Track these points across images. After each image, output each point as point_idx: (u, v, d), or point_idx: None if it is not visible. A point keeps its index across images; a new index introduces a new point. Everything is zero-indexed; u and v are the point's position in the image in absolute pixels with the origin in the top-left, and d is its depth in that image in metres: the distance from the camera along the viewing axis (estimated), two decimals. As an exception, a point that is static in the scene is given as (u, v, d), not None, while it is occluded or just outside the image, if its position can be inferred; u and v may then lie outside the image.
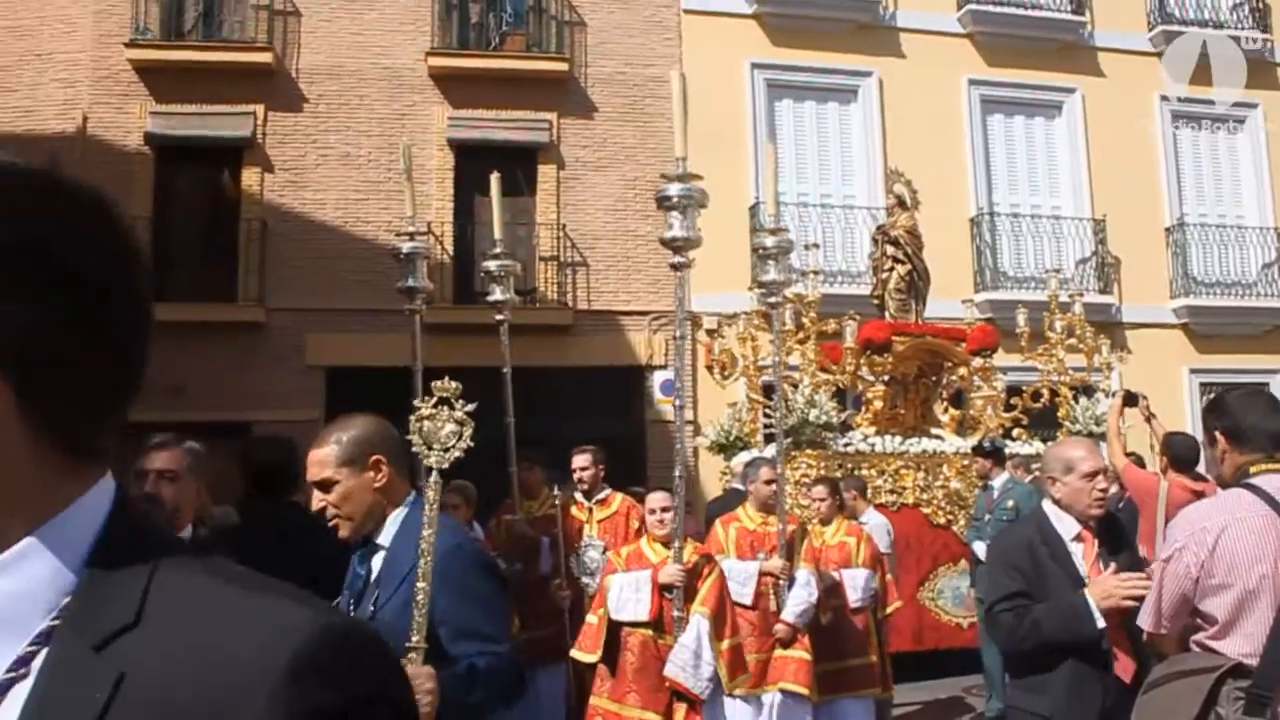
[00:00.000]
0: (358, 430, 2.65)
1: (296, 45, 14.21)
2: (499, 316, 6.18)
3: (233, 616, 0.76)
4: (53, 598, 0.77)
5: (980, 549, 8.05)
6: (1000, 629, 3.42)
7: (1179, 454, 5.95)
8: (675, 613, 4.75)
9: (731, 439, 10.54)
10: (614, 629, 4.92)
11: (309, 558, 2.74)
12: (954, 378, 11.28)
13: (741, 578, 5.72)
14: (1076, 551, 3.40)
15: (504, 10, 14.78)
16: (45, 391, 0.78)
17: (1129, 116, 15.93)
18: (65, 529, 0.79)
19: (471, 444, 2.56)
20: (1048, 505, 3.53)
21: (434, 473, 2.55)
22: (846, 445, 10.01)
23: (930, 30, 15.65)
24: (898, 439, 10.22)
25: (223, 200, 14.03)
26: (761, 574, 5.77)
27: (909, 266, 11.00)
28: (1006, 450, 9.30)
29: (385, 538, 2.65)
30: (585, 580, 5.88)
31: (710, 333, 11.21)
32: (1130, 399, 6.30)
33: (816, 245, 11.82)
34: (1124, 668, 3.25)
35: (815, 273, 11.37)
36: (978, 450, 9.05)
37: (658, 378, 13.95)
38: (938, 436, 10.55)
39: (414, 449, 2.58)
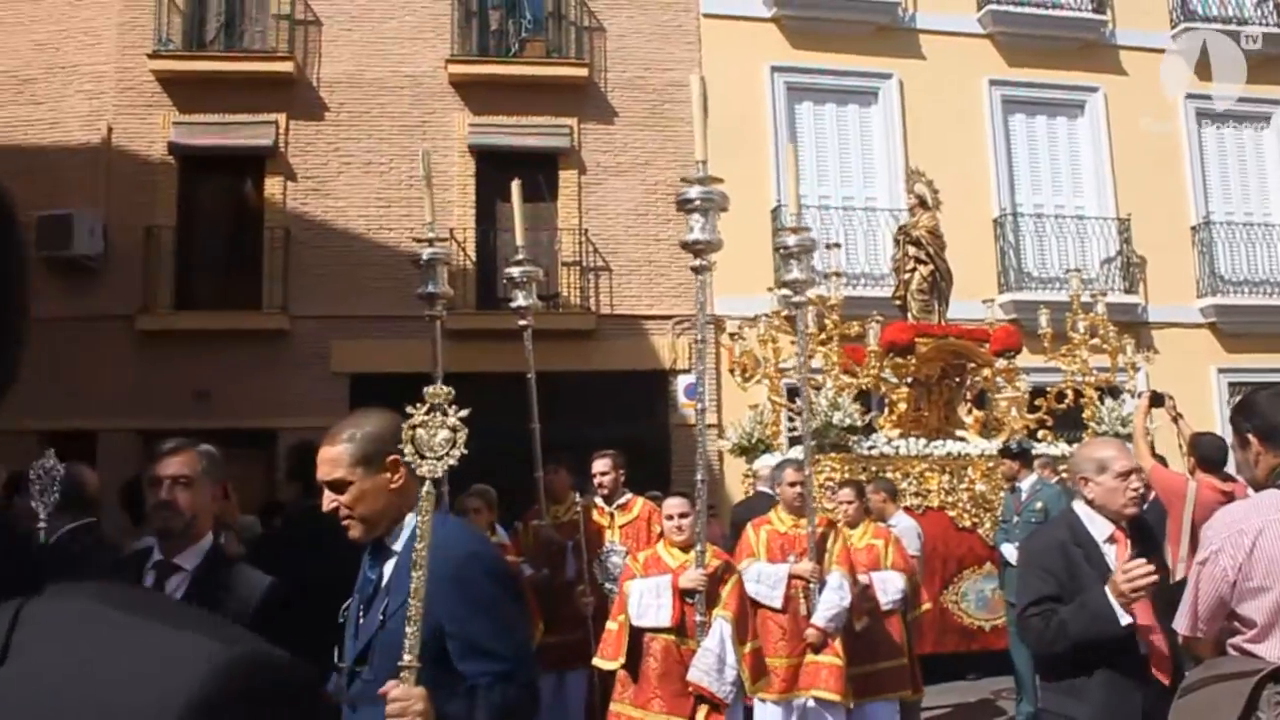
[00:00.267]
0: (373, 427, 2.48)
1: (317, 54, 14.30)
2: (522, 322, 6.19)
3: (120, 653, 0.63)
4: None
5: (1009, 551, 7.98)
6: (1030, 632, 3.39)
7: (1207, 454, 5.88)
8: (698, 618, 4.72)
9: (753, 441, 10.52)
10: (635, 635, 4.89)
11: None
12: (977, 379, 11.20)
13: (771, 581, 5.68)
14: (1110, 553, 3.35)
15: (523, 17, 14.82)
16: None
17: (1152, 115, 15.78)
18: None
19: (465, 452, 2.34)
20: (1079, 506, 3.47)
21: (427, 482, 2.31)
22: (870, 448, 9.94)
23: (950, 31, 15.57)
24: (922, 441, 10.14)
25: (246, 209, 14.16)
26: (791, 577, 5.71)
27: (931, 267, 10.92)
28: (1034, 451, 9.22)
29: (398, 543, 2.48)
30: (608, 586, 5.86)
31: (732, 335, 11.16)
32: (1156, 399, 6.25)
33: (838, 245, 11.75)
34: (1160, 665, 3.20)
35: (837, 274, 11.30)
36: (1005, 452, 8.94)
37: (681, 382, 13.93)
38: (962, 438, 10.47)
39: (406, 459, 2.34)
